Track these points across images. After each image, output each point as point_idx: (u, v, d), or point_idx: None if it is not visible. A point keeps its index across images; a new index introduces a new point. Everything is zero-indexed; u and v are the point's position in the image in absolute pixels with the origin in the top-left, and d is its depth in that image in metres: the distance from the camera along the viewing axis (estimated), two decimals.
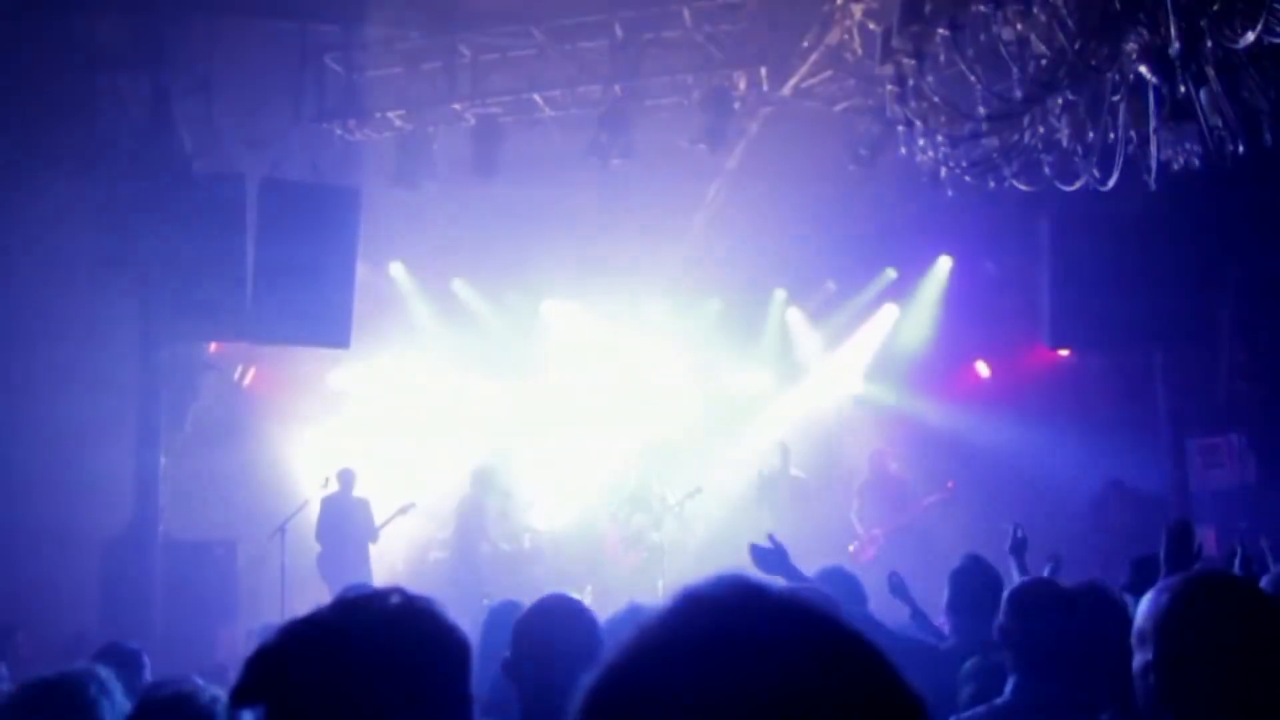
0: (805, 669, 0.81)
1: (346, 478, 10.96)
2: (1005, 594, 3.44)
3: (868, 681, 0.83)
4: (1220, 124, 5.98)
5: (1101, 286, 10.29)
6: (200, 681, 2.47)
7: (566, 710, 0.88)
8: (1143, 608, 2.25)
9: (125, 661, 4.20)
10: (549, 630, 2.80)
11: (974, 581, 4.39)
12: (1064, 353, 11.99)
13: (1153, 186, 6.41)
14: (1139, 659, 2.21)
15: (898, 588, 5.11)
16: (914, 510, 11.51)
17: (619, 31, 9.54)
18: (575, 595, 4.72)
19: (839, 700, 0.80)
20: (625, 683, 0.83)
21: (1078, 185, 6.75)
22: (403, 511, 10.85)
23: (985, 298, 12.22)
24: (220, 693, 2.42)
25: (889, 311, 13.37)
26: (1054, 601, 3.31)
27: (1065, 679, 3.06)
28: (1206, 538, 10.86)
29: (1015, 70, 5.86)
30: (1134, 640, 2.24)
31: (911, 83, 6.02)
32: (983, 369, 13.11)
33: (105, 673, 2.81)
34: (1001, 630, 3.28)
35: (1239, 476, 10.82)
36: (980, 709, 3.18)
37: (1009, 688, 3.17)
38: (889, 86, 6.31)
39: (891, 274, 13.33)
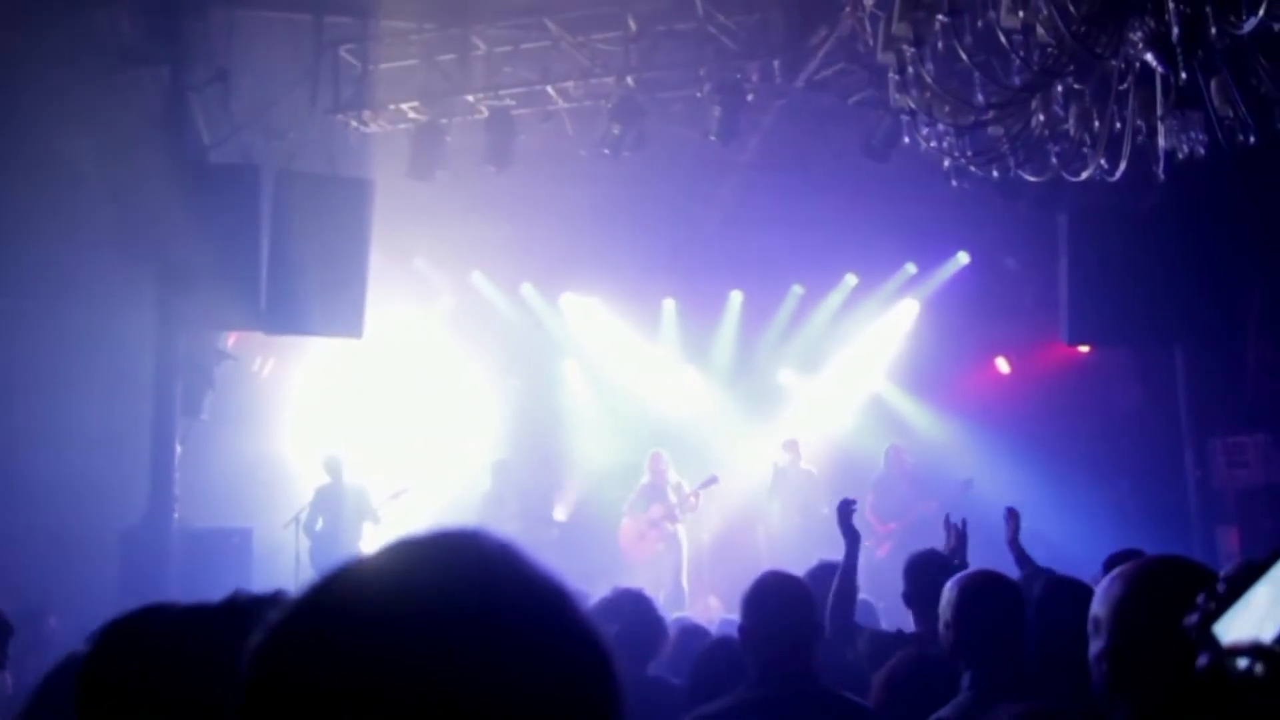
0: (482, 634, 0.79)
1: (334, 465, 10.91)
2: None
3: (550, 634, 0.81)
4: (1230, 114, 5.88)
5: (1122, 281, 10.14)
6: None
7: None
8: (1097, 595, 2.23)
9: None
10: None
11: (930, 574, 4.28)
12: (1084, 349, 11.83)
13: (1161, 177, 6.30)
14: (1094, 646, 2.19)
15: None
16: (930, 506, 11.39)
17: (632, 24, 9.51)
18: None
19: (513, 664, 0.78)
20: (283, 641, 0.82)
21: (1085, 176, 6.67)
22: (397, 495, 10.84)
23: (1004, 293, 12.08)
24: None
25: (907, 307, 13.26)
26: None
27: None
28: (1229, 539, 10.71)
29: (1016, 58, 5.78)
30: (1089, 628, 2.21)
31: (912, 71, 5.95)
32: (1003, 365, 12.98)
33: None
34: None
35: (1264, 476, 10.62)
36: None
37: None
38: (891, 75, 6.24)
39: (911, 269, 13.24)
